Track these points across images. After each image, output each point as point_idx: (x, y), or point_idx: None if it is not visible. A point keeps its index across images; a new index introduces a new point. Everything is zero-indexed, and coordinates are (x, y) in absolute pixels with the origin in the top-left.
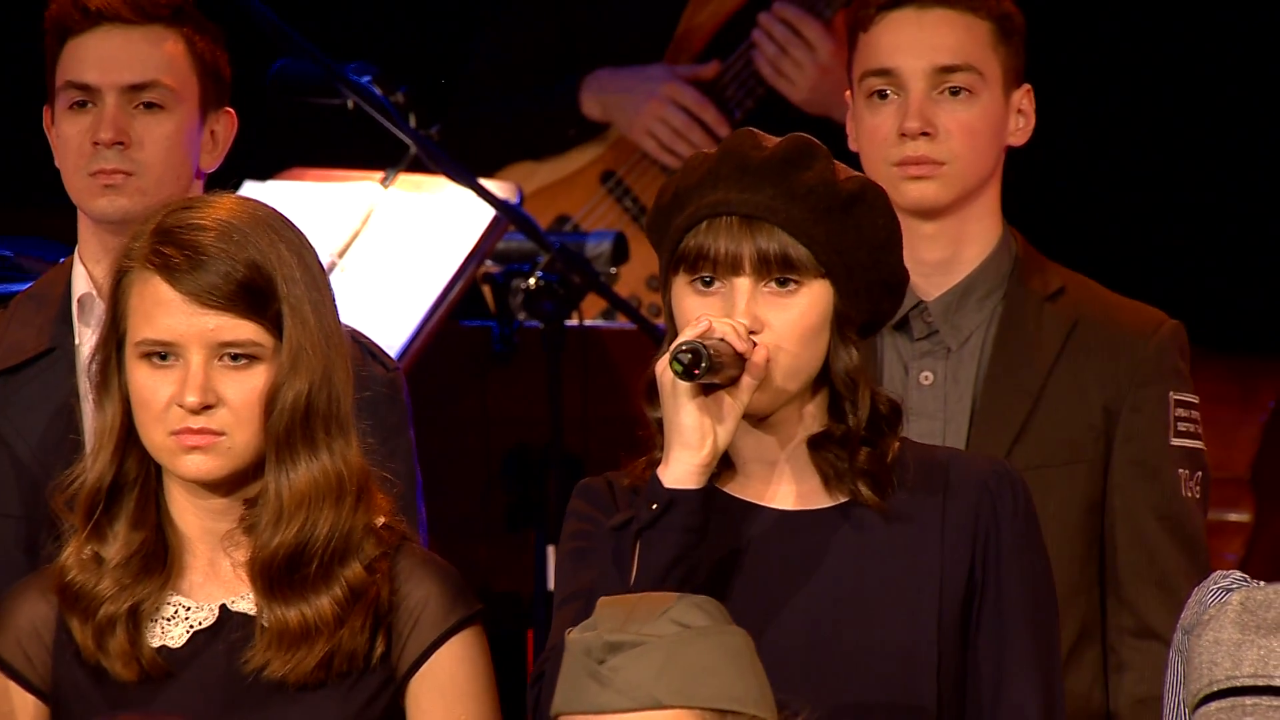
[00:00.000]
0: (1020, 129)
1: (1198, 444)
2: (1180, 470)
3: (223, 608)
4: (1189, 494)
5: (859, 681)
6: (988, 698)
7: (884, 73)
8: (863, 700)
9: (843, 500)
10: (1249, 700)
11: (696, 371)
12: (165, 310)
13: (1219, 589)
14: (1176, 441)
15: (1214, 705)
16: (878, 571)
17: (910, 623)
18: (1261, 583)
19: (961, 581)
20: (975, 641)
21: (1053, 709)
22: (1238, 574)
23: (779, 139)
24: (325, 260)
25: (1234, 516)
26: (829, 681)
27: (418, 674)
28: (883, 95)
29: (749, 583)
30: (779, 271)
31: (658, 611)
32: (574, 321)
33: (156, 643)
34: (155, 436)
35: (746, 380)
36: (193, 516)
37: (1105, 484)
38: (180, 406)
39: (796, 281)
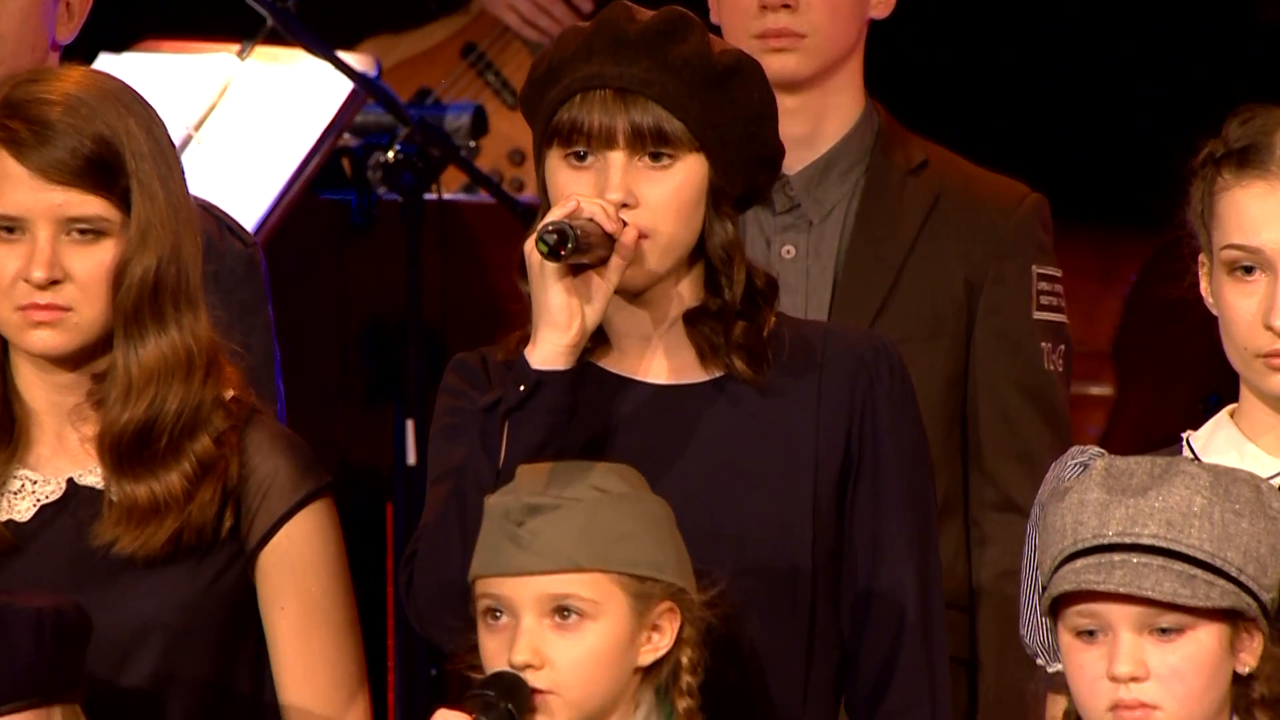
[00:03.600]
0: (882, 1)
1: (1061, 317)
2: (1043, 343)
3: (70, 481)
4: (1051, 367)
5: (734, 555)
6: (864, 571)
7: None
8: (738, 574)
9: (718, 375)
10: (1117, 556)
11: (563, 252)
12: (12, 185)
13: (1076, 464)
14: (1039, 315)
15: (1080, 562)
16: (753, 445)
17: (786, 497)
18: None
19: (837, 456)
20: (852, 516)
21: (929, 582)
22: (1095, 449)
23: (653, 12)
24: (181, 133)
25: (1096, 390)
26: (704, 555)
27: (267, 547)
28: None
29: (623, 457)
30: (653, 145)
31: (578, 476)
32: (433, 195)
33: (3, 516)
34: (1, 311)
35: (616, 260)
36: (39, 390)
37: (967, 358)
38: (27, 282)
39: (671, 155)
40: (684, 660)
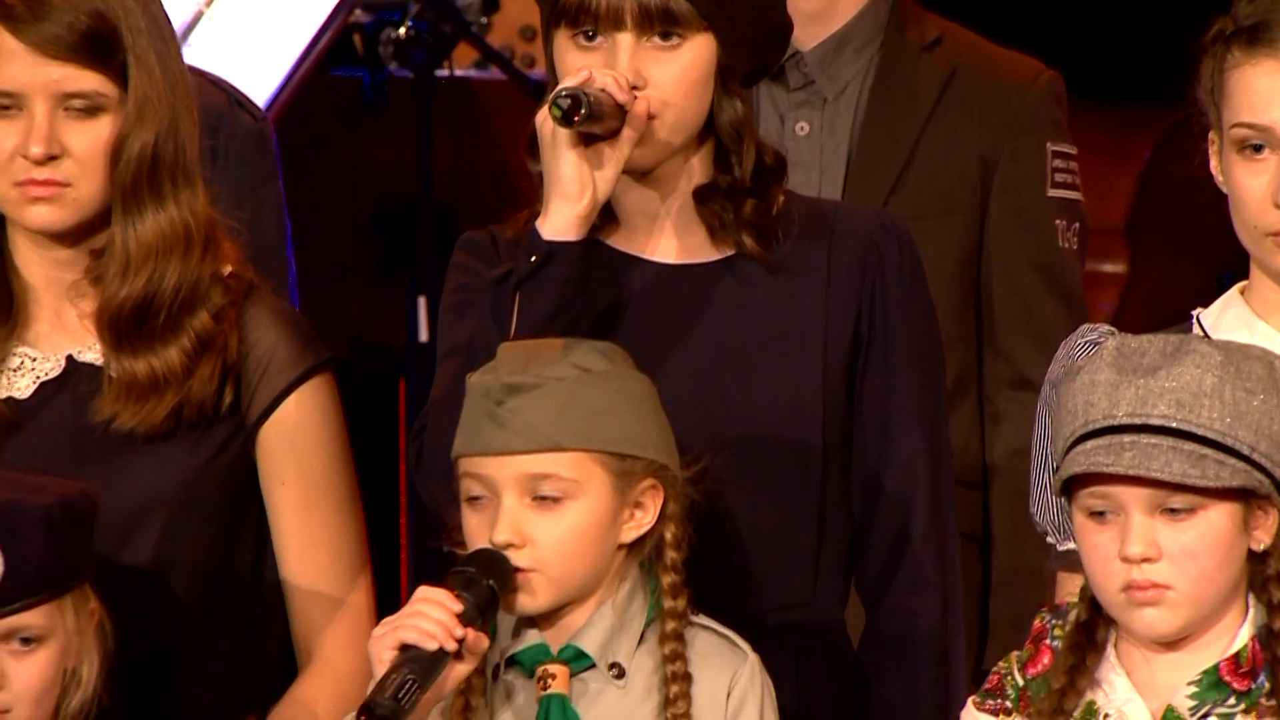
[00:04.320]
0: None
1: (1075, 195)
2: (1057, 221)
3: (69, 358)
4: (1066, 245)
5: (744, 434)
6: (874, 449)
7: None
8: (748, 452)
9: (728, 253)
10: (1127, 437)
11: (576, 117)
12: (9, 60)
13: (1086, 343)
14: (1054, 192)
15: (1091, 443)
16: (762, 324)
17: (795, 374)
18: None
19: (847, 333)
20: (861, 394)
21: (939, 461)
22: (1105, 327)
23: None
24: (193, 9)
25: (1109, 267)
26: (714, 434)
27: (267, 422)
28: None
29: (632, 336)
30: (661, 25)
31: (558, 355)
32: (445, 71)
33: (3, 394)
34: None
35: (627, 132)
36: (38, 266)
37: (982, 235)
38: (25, 157)
39: (679, 35)
40: (668, 536)
